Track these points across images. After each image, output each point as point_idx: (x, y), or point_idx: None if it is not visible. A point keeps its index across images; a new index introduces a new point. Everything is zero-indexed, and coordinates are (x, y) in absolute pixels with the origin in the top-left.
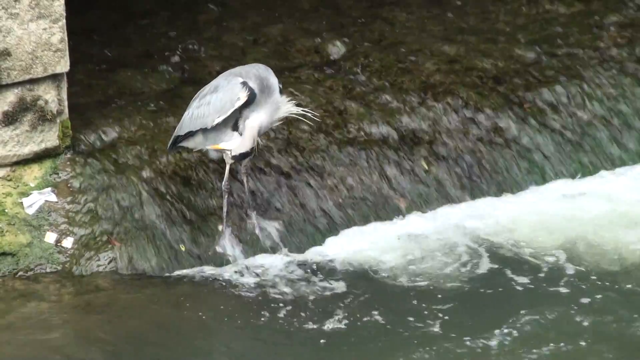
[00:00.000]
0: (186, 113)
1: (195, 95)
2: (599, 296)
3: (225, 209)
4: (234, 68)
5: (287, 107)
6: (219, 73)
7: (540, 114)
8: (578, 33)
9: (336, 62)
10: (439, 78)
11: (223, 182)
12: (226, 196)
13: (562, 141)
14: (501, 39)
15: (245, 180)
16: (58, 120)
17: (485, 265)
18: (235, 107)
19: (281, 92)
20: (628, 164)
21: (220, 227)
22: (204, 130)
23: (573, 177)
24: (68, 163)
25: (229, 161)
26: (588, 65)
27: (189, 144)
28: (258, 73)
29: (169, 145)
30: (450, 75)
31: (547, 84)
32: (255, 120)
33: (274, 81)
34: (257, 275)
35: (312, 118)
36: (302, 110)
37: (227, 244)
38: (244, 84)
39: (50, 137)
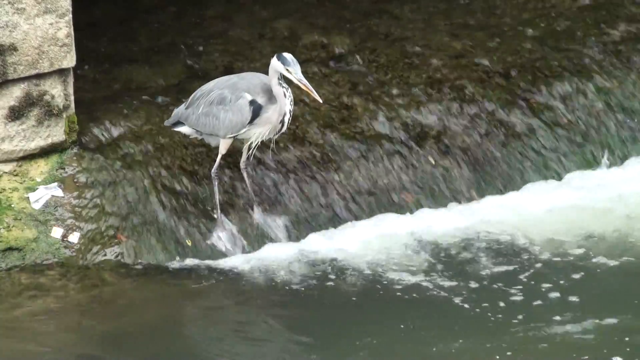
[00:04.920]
0: (190, 110)
1: (199, 93)
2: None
3: (217, 197)
4: (239, 77)
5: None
6: (225, 68)
7: (546, 108)
8: (584, 28)
9: (342, 57)
10: (445, 73)
11: (212, 170)
12: (216, 183)
13: (569, 136)
14: (507, 34)
15: (246, 176)
16: (64, 115)
17: (487, 264)
18: (246, 129)
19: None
20: (631, 156)
21: (215, 216)
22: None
23: (580, 171)
24: (74, 158)
25: (222, 151)
26: (595, 60)
27: (190, 132)
28: (263, 84)
29: (170, 122)
30: (457, 70)
31: (553, 79)
32: (267, 118)
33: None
34: (262, 268)
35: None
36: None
37: (223, 233)
38: (252, 102)
39: (56, 132)
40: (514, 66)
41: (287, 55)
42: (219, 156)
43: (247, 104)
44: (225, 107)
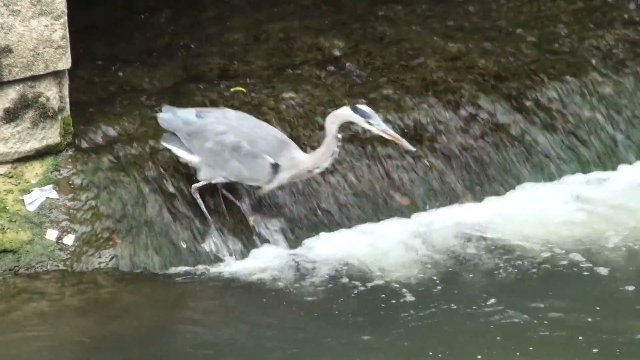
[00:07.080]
0: (194, 136)
1: (202, 122)
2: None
3: (202, 207)
4: (252, 126)
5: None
6: (220, 70)
7: (542, 111)
8: (580, 31)
9: (338, 60)
10: (440, 75)
11: (193, 186)
12: (197, 196)
13: (564, 139)
14: (503, 37)
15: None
16: (59, 117)
17: (486, 267)
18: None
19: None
20: (630, 161)
21: (209, 220)
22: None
23: (575, 174)
24: (69, 160)
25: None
26: (590, 63)
27: (182, 155)
28: (279, 141)
29: (165, 134)
30: (452, 72)
31: (549, 81)
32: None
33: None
34: (258, 271)
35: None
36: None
37: (218, 237)
38: (274, 165)
39: (51, 134)
40: (510, 69)
41: (365, 107)
42: (202, 182)
43: (268, 165)
44: (241, 159)
